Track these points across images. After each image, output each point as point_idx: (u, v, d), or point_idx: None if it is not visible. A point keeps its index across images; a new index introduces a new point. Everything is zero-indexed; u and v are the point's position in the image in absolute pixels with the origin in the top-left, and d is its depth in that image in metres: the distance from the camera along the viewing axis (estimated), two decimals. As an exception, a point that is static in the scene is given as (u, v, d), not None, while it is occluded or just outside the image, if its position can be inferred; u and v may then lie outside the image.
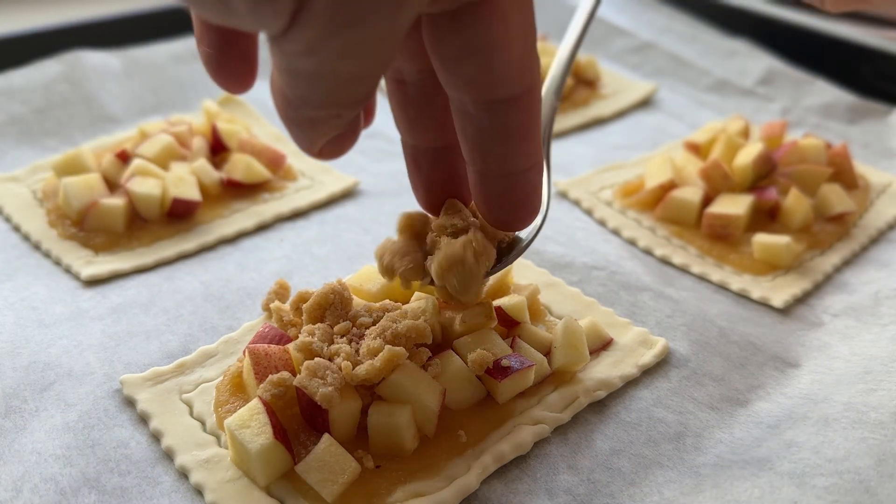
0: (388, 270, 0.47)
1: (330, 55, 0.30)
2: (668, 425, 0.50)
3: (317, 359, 0.45)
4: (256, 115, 0.85)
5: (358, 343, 0.47)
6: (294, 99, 0.34)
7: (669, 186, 0.70)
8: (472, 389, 0.49)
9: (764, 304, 0.61)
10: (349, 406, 0.45)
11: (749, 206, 0.66)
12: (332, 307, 0.49)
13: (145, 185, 0.66)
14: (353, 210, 0.72)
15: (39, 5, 1.09)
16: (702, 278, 0.64)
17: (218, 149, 0.74)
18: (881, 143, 0.83)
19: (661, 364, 0.55)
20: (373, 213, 0.71)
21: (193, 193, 0.67)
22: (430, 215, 0.48)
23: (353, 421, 0.46)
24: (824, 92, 0.90)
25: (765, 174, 0.70)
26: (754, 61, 0.96)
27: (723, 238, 0.66)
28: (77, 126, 0.81)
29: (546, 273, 0.62)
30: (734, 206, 0.66)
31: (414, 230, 0.48)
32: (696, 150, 0.76)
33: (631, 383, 0.53)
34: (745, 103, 0.91)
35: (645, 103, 0.93)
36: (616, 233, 0.69)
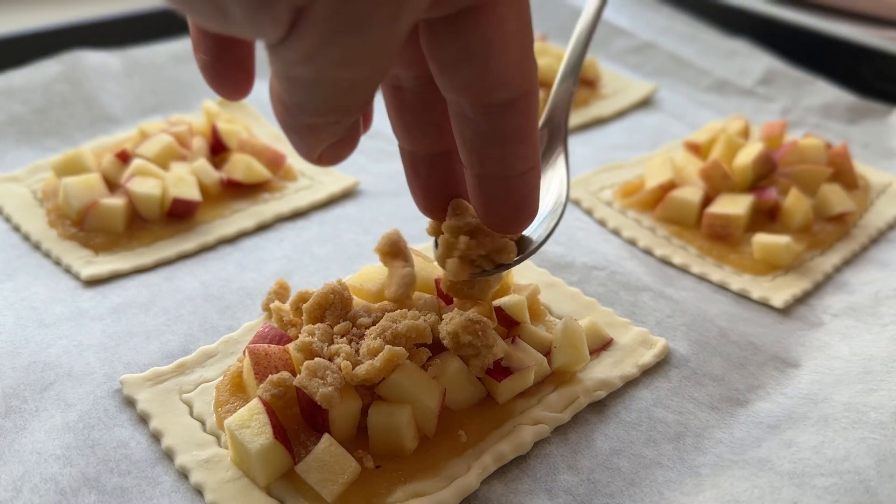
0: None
1: (328, 63, 0.30)
2: (668, 425, 0.50)
3: (317, 359, 0.45)
4: (256, 115, 0.85)
5: (358, 343, 0.47)
6: (292, 106, 0.34)
7: (669, 186, 0.70)
8: (472, 389, 0.49)
9: (764, 304, 0.61)
10: (349, 406, 0.45)
11: (749, 206, 0.66)
12: (332, 307, 0.49)
13: (145, 185, 0.66)
14: (353, 210, 0.72)
15: (39, 5, 1.09)
16: (702, 278, 0.64)
17: (218, 149, 0.74)
18: (881, 143, 0.83)
19: (661, 364, 0.55)
20: (373, 213, 0.71)
21: (193, 193, 0.67)
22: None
23: (353, 421, 0.46)
24: (824, 92, 0.90)
25: (765, 174, 0.70)
26: (754, 61, 0.96)
27: (723, 238, 0.66)
28: (77, 126, 0.81)
29: (546, 273, 0.62)
30: (734, 206, 0.66)
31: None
32: (696, 150, 0.76)
33: (631, 383, 0.53)
34: (745, 103, 0.91)
35: (645, 103, 0.93)
36: (616, 233, 0.69)
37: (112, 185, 0.67)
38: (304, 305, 0.50)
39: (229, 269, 0.63)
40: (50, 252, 0.64)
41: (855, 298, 0.62)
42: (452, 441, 0.47)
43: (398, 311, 0.48)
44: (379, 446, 0.46)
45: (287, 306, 0.53)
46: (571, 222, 0.70)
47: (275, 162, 0.73)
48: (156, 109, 0.86)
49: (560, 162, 0.51)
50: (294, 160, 0.76)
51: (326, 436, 0.44)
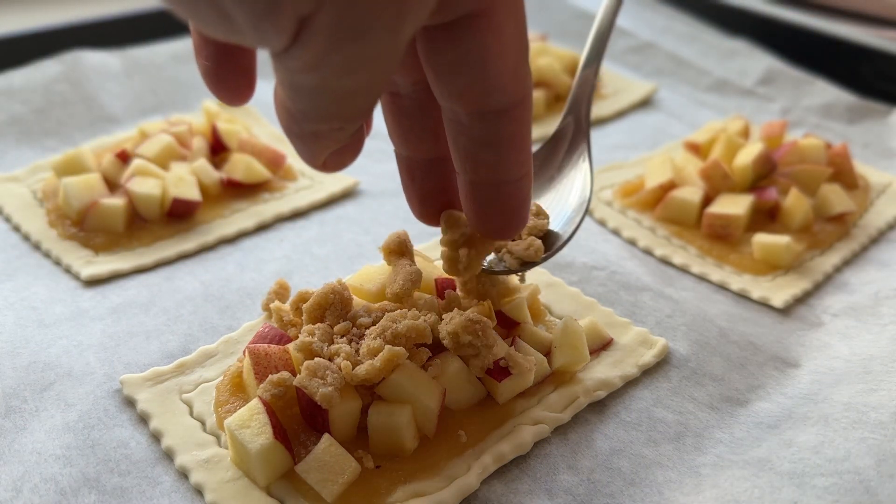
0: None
1: (332, 71, 0.31)
2: (668, 425, 0.50)
3: (317, 359, 0.45)
4: (256, 115, 0.85)
5: (358, 343, 0.47)
6: (297, 113, 0.34)
7: (669, 186, 0.70)
8: (472, 389, 0.49)
9: (764, 304, 0.61)
10: (349, 406, 0.45)
11: (749, 206, 0.66)
12: (332, 307, 0.49)
13: (145, 185, 0.66)
14: (353, 210, 0.72)
15: (39, 5, 1.09)
16: (702, 278, 0.64)
17: (218, 149, 0.74)
18: (881, 143, 0.83)
19: (661, 364, 0.55)
20: (373, 213, 0.71)
21: (193, 193, 0.67)
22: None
23: (353, 421, 0.46)
24: (824, 92, 0.90)
25: (765, 174, 0.70)
26: (754, 61, 0.96)
27: (723, 238, 0.66)
28: (77, 126, 0.81)
29: (546, 273, 0.62)
30: (734, 206, 0.66)
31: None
32: (696, 150, 0.76)
33: (631, 383, 0.53)
34: (745, 103, 0.91)
35: (645, 103, 0.93)
36: (616, 233, 0.69)
37: (112, 185, 0.67)
38: (304, 305, 0.50)
39: (229, 269, 0.63)
40: (50, 252, 0.64)
41: (855, 298, 0.62)
42: (452, 441, 0.47)
43: (398, 311, 0.48)
44: (379, 446, 0.46)
45: (287, 306, 0.53)
46: (571, 222, 0.70)
47: (275, 162, 0.73)
48: (156, 109, 0.86)
49: (582, 159, 0.52)
50: (294, 160, 0.76)
51: (326, 436, 0.44)
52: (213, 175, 0.70)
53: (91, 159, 0.69)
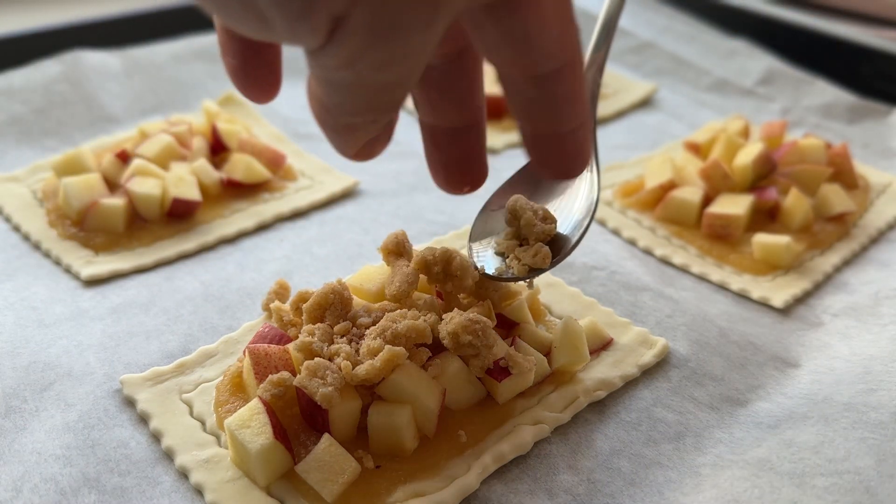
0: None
1: (367, 67, 0.31)
2: (668, 425, 0.50)
3: (317, 359, 0.45)
4: (256, 115, 0.85)
5: (358, 343, 0.47)
6: (332, 107, 0.34)
7: (669, 186, 0.70)
8: (472, 389, 0.49)
9: (764, 304, 0.61)
10: (349, 406, 0.45)
11: (749, 206, 0.66)
12: (332, 307, 0.49)
13: (145, 185, 0.66)
14: (353, 210, 0.72)
15: (39, 5, 1.09)
16: (702, 278, 0.64)
17: (218, 149, 0.74)
18: (881, 143, 0.83)
19: (661, 364, 0.55)
20: (373, 213, 0.71)
21: (193, 193, 0.67)
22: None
23: (353, 421, 0.46)
24: (824, 92, 0.90)
25: (765, 174, 0.70)
26: (754, 61, 0.96)
27: (723, 238, 0.66)
28: (77, 126, 0.81)
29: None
30: (734, 206, 0.66)
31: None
32: (696, 150, 0.76)
33: (631, 383, 0.53)
34: (745, 103, 0.91)
35: (645, 103, 0.93)
36: (616, 233, 0.69)
37: (112, 185, 0.67)
38: (304, 305, 0.50)
39: (229, 269, 0.63)
40: (50, 252, 0.64)
41: (855, 298, 0.62)
42: (452, 441, 0.47)
43: (398, 311, 0.48)
44: (379, 446, 0.46)
45: (287, 306, 0.53)
46: (571, 222, 0.70)
47: (275, 162, 0.73)
48: (156, 109, 0.86)
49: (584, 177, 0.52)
50: (294, 160, 0.76)
51: (326, 436, 0.44)
52: (213, 175, 0.70)
53: (91, 159, 0.69)
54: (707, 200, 0.69)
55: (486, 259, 0.51)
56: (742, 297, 0.62)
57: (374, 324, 0.48)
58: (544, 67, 0.38)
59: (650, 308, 0.60)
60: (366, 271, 0.54)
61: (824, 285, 0.64)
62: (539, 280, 0.60)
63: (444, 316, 0.48)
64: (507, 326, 0.52)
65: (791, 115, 0.89)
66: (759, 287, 0.62)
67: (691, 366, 0.55)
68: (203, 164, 0.70)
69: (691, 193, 0.68)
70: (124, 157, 0.69)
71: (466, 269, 0.49)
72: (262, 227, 0.69)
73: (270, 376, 0.45)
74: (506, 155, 0.81)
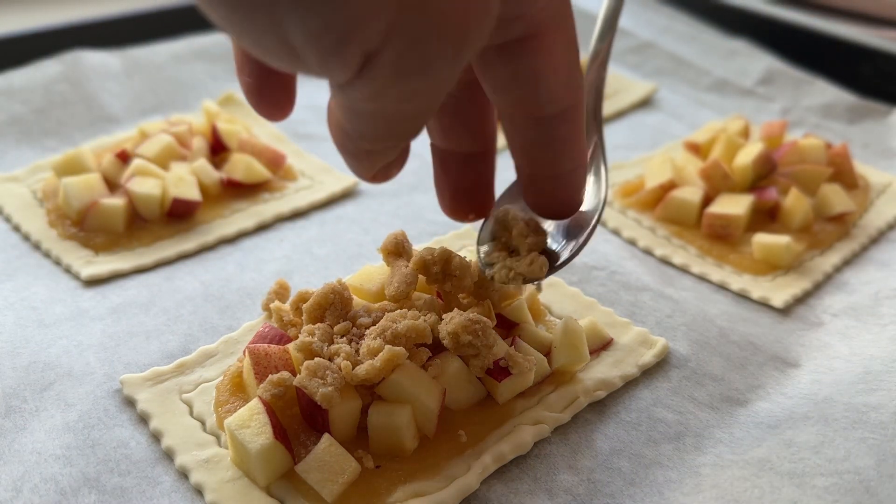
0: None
1: (392, 99, 0.31)
2: (668, 425, 0.50)
3: (317, 359, 0.45)
4: (256, 116, 0.84)
5: (358, 343, 0.47)
6: (353, 133, 0.35)
7: (669, 186, 0.70)
8: (472, 389, 0.49)
9: (764, 304, 0.61)
10: (349, 406, 0.45)
11: (749, 206, 0.66)
12: (332, 307, 0.49)
13: (145, 185, 0.66)
14: (353, 210, 0.72)
15: (39, 5, 1.09)
16: (702, 278, 0.64)
17: (218, 149, 0.74)
18: (881, 143, 0.83)
19: (661, 364, 0.55)
20: (373, 213, 0.71)
21: (193, 193, 0.67)
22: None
23: (353, 421, 0.46)
24: (824, 92, 0.90)
25: (765, 174, 0.70)
26: (754, 61, 0.96)
27: (723, 238, 0.66)
28: (77, 126, 0.81)
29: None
30: (734, 206, 0.66)
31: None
32: (696, 150, 0.76)
33: (631, 383, 0.53)
34: (745, 103, 0.91)
35: (645, 103, 0.93)
36: (616, 233, 0.69)
37: (112, 185, 0.67)
38: (304, 305, 0.50)
39: (229, 269, 0.63)
40: (50, 252, 0.64)
41: (855, 298, 0.62)
42: (452, 441, 0.47)
43: (398, 311, 0.48)
44: (379, 446, 0.46)
45: (287, 306, 0.53)
46: (571, 222, 0.70)
47: (275, 162, 0.73)
48: (156, 109, 0.86)
49: (590, 174, 0.51)
50: (294, 160, 0.76)
51: (326, 436, 0.44)
52: (213, 175, 0.70)
53: (91, 159, 0.69)
54: (707, 200, 0.69)
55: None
56: (742, 297, 0.62)
57: (374, 324, 0.48)
58: (549, 109, 0.39)
59: (650, 308, 0.60)
60: (366, 271, 0.54)
61: (824, 285, 0.64)
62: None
63: (444, 316, 0.48)
64: (507, 326, 0.52)
65: (791, 115, 0.88)
66: (759, 287, 0.62)
67: (691, 366, 0.55)
68: (203, 164, 0.70)
69: (691, 193, 0.68)
70: (124, 157, 0.69)
71: (465, 268, 0.49)
72: (262, 227, 0.69)
73: (270, 376, 0.45)
74: (506, 154, 0.81)
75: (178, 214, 0.67)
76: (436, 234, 0.68)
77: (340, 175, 0.75)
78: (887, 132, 0.84)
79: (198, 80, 0.90)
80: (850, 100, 0.89)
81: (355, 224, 0.70)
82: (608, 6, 0.55)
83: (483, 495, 0.45)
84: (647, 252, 0.67)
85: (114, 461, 0.46)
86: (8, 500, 0.44)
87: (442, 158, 0.46)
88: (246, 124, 0.79)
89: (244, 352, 0.49)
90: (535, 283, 0.49)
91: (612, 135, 0.86)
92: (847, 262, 0.66)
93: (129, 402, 0.50)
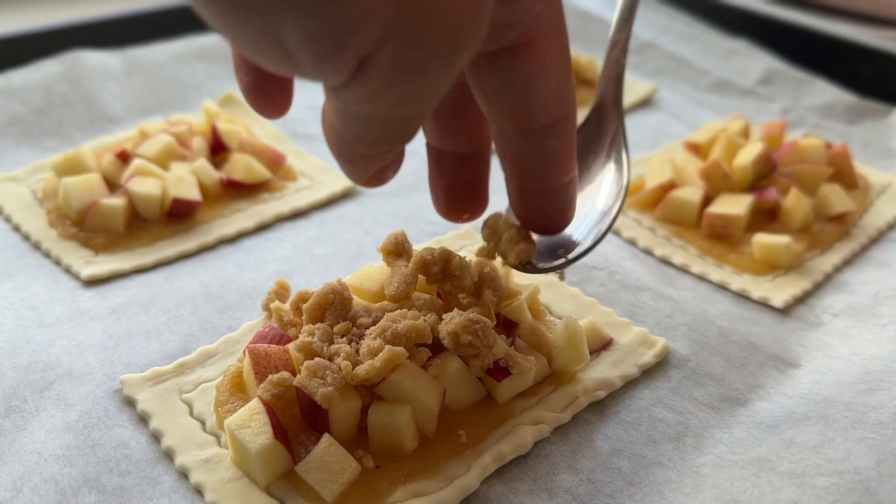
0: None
1: (387, 103, 0.31)
2: (668, 425, 0.50)
3: (317, 359, 0.45)
4: (256, 115, 0.84)
5: (358, 343, 0.47)
6: (347, 137, 0.35)
7: (669, 186, 0.70)
8: (472, 389, 0.49)
9: (764, 304, 0.61)
10: (349, 406, 0.45)
11: (749, 206, 0.66)
12: (332, 307, 0.49)
13: (145, 185, 0.66)
14: (353, 210, 0.72)
15: (39, 5, 1.09)
16: (702, 278, 0.64)
17: (218, 149, 0.74)
18: (881, 143, 0.83)
19: (661, 364, 0.55)
20: (373, 213, 0.71)
21: (193, 193, 0.67)
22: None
23: (353, 421, 0.46)
24: (824, 92, 0.90)
25: (765, 174, 0.70)
26: (754, 61, 0.96)
27: (723, 238, 0.66)
28: (77, 126, 0.81)
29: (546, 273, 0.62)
30: (734, 206, 0.66)
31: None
32: (696, 150, 0.76)
33: (631, 383, 0.53)
34: (745, 103, 0.91)
35: (645, 103, 0.93)
36: (616, 233, 0.69)
37: (112, 185, 0.67)
38: (304, 305, 0.50)
39: (229, 269, 0.63)
40: (50, 252, 0.64)
41: (855, 298, 0.62)
42: (452, 441, 0.47)
43: (398, 311, 0.48)
44: (379, 446, 0.46)
45: (287, 306, 0.53)
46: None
47: (275, 162, 0.73)
48: (156, 109, 0.86)
49: (612, 157, 0.51)
50: (294, 160, 0.76)
51: (326, 436, 0.44)
52: (213, 175, 0.70)
53: (91, 159, 0.69)
54: (707, 200, 0.69)
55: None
56: (742, 297, 0.62)
57: (374, 324, 0.48)
58: (539, 120, 0.39)
59: (650, 308, 0.60)
60: (366, 271, 0.54)
61: (824, 285, 0.64)
62: (539, 280, 0.60)
63: (444, 316, 0.48)
64: (508, 326, 0.52)
65: (791, 115, 0.89)
66: (759, 287, 0.62)
67: (691, 366, 0.55)
68: (203, 164, 0.70)
69: (691, 193, 0.68)
70: (124, 157, 0.69)
71: (465, 268, 0.49)
72: (262, 227, 0.69)
73: (270, 376, 0.45)
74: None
75: (178, 214, 0.67)
76: (436, 234, 0.68)
77: (340, 175, 0.75)
78: (887, 132, 0.84)
79: (198, 80, 0.90)
80: (850, 100, 0.89)
81: (355, 224, 0.70)
82: (618, 19, 0.55)
83: (483, 495, 0.45)
84: (647, 252, 0.67)
85: (114, 461, 0.46)
86: (8, 500, 0.44)
87: (437, 158, 0.46)
88: (246, 124, 0.79)
89: (244, 352, 0.49)
90: (558, 272, 0.49)
91: (612, 135, 0.86)
92: (847, 262, 0.66)
93: (129, 402, 0.50)
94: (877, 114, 0.87)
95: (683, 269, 0.65)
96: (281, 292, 0.57)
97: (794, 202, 0.67)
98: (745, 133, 0.78)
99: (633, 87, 0.94)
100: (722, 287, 0.63)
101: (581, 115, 0.88)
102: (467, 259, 0.50)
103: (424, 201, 0.72)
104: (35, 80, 0.84)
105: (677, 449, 0.48)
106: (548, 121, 0.39)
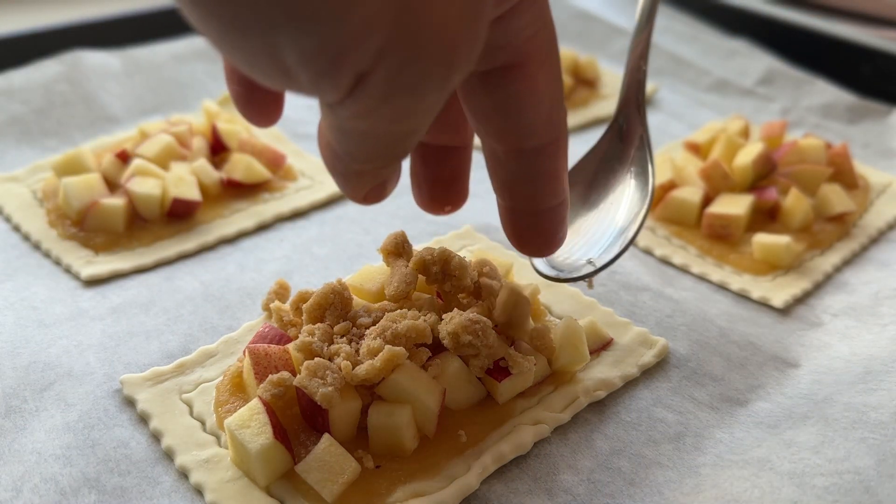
0: None
1: (382, 119, 0.31)
2: (668, 425, 0.50)
3: (317, 359, 0.45)
4: (256, 115, 0.84)
5: (358, 343, 0.47)
6: (343, 154, 0.35)
7: (669, 186, 0.70)
8: (472, 389, 0.49)
9: (764, 304, 0.61)
10: (349, 406, 0.45)
11: (749, 206, 0.66)
12: (332, 307, 0.49)
13: (145, 185, 0.66)
14: (353, 210, 0.72)
15: (39, 5, 1.09)
16: (702, 278, 0.64)
17: (218, 149, 0.74)
18: (881, 143, 0.83)
19: (661, 364, 0.55)
20: (373, 213, 0.71)
21: (193, 193, 0.67)
22: None
23: (353, 421, 0.46)
24: (824, 92, 0.90)
25: (765, 174, 0.70)
26: (754, 61, 0.96)
27: (723, 238, 0.66)
28: (77, 126, 0.81)
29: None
30: (734, 206, 0.66)
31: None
32: (696, 150, 0.76)
33: (631, 383, 0.53)
34: (745, 103, 0.91)
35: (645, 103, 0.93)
36: (616, 233, 0.69)
37: (112, 185, 0.67)
38: (304, 305, 0.50)
39: (229, 269, 0.63)
40: (50, 252, 0.64)
41: (855, 298, 0.62)
42: (452, 441, 0.47)
43: (398, 311, 0.48)
44: (379, 446, 0.46)
45: (287, 306, 0.53)
46: (571, 222, 0.70)
47: (275, 162, 0.73)
48: (156, 109, 0.86)
49: (636, 167, 0.52)
50: (294, 160, 0.76)
51: (326, 436, 0.44)
52: (213, 175, 0.70)
53: (91, 159, 0.69)
54: (707, 200, 0.69)
55: (537, 261, 0.51)
56: (742, 297, 0.62)
57: (374, 324, 0.48)
58: (530, 142, 0.39)
59: (650, 308, 0.60)
60: (366, 271, 0.54)
61: (824, 285, 0.64)
62: (539, 280, 0.60)
63: (444, 316, 0.48)
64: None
65: (791, 115, 0.89)
66: (759, 287, 0.62)
67: (691, 366, 0.55)
68: (203, 164, 0.70)
69: (691, 193, 0.68)
70: (124, 157, 0.69)
71: (465, 269, 0.49)
72: (262, 227, 0.69)
73: (270, 376, 0.45)
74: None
75: (178, 214, 0.67)
76: (436, 234, 0.68)
77: (340, 175, 0.75)
78: (887, 132, 0.84)
79: (198, 80, 0.90)
80: (850, 100, 0.89)
81: (355, 224, 0.70)
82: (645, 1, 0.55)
83: (483, 495, 0.45)
84: (647, 252, 0.67)
85: (114, 461, 0.46)
86: (8, 500, 0.44)
87: (422, 151, 0.46)
88: (246, 124, 0.79)
89: (244, 352, 0.49)
90: (587, 279, 0.50)
91: (612, 135, 0.86)
92: (847, 262, 0.66)
93: (129, 402, 0.50)
94: (877, 114, 0.87)
95: (683, 269, 0.65)
96: (281, 292, 0.57)
97: (794, 202, 0.67)
98: (745, 133, 0.78)
99: (633, 87, 0.94)
100: (722, 287, 0.63)
101: (582, 115, 0.89)
102: (467, 259, 0.50)
103: (424, 201, 0.72)
104: (35, 80, 0.84)
105: (677, 449, 0.48)
106: (538, 143, 0.40)
